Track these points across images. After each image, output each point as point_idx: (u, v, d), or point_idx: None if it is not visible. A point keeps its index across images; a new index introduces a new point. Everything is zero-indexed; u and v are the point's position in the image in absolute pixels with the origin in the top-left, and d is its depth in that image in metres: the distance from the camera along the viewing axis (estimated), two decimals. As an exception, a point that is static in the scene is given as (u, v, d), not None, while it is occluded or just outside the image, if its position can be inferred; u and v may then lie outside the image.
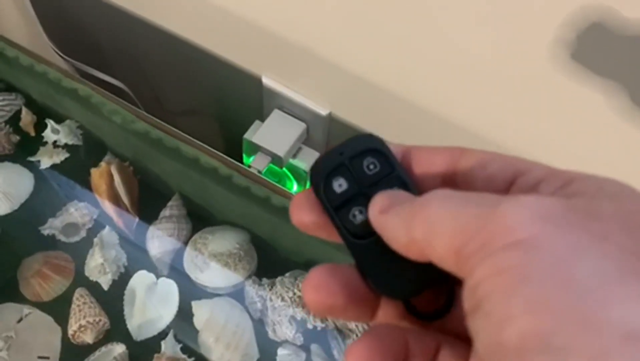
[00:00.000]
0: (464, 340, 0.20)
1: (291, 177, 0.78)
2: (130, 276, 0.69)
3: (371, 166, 0.22)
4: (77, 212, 0.72)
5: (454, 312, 0.21)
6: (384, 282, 0.21)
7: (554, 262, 0.15)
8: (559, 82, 0.48)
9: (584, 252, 0.15)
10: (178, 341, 0.65)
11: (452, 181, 0.21)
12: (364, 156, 0.22)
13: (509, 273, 0.15)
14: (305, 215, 0.22)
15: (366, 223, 0.21)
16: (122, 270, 0.70)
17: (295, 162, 0.74)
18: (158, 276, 0.69)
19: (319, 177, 0.22)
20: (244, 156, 0.77)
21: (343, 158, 0.22)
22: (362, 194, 0.21)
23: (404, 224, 0.19)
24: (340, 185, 0.22)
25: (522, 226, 0.16)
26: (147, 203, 0.73)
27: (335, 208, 0.21)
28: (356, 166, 0.22)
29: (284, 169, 0.75)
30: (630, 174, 0.51)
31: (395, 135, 0.67)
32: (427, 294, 0.21)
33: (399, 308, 0.21)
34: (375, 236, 0.20)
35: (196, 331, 0.66)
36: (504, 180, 0.20)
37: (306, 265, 0.68)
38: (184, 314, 0.67)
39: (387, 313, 0.22)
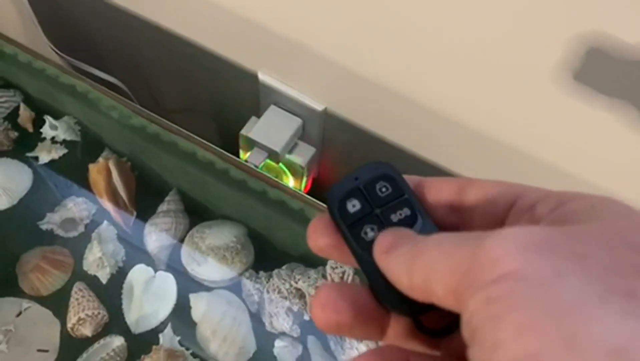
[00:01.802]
0: None
1: (287, 172, 0.78)
2: (128, 270, 0.70)
3: (383, 189, 0.23)
4: (75, 207, 0.73)
5: (461, 337, 0.22)
6: (394, 298, 0.21)
7: (538, 287, 0.16)
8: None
9: (566, 274, 0.16)
10: (176, 334, 0.66)
11: (459, 207, 0.23)
12: (377, 180, 0.23)
13: (498, 303, 0.16)
14: (320, 237, 0.23)
15: None
16: (120, 264, 0.70)
17: (291, 157, 0.75)
18: (156, 270, 0.70)
19: (334, 199, 0.23)
20: (241, 151, 0.78)
21: (357, 183, 0.23)
22: (374, 214, 0.23)
23: (405, 268, 0.20)
24: (353, 205, 0.23)
25: (506, 259, 0.17)
26: (144, 197, 0.73)
27: (348, 226, 0.23)
28: (369, 189, 0.23)
29: (280, 164, 0.76)
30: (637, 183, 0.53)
31: (389, 130, 0.68)
32: (436, 312, 0.21)
33: (408, 326, 0.22)
34: None
35: (194, 324, 0.66)
36: (505, 203, 0.21)
37: (302, 258, 0.68)
38: (182, 307, 0.67)
39: (396, 330, 0.22)
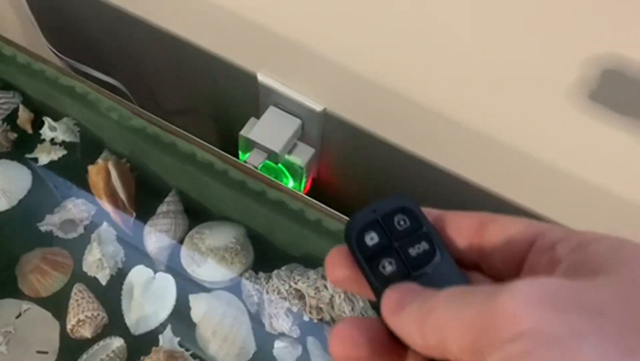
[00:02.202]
0: None
1: (287, 173, 0.78)
2: (128, 272, 0.70)
3: (401, 222, 0.23)
4: (75, 208, 0.73)
5: None
6: None
7: (556, 349, 0.16)
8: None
9: (584, 335, 0.16)
10: (175, 335, 0.66)
11: (479, 244, 0.23)
12: (395, 213, 0.23)
13: None
14: (338, 269, 0.23)
15: (395, 274, 0.22)
16: (120, 265, 0.70)
17: (291, 158, 0.75)
18: (155, 271, 0.70)
19: (353, 231, 0.23)
20: (240, 152, 0.78)
21: (376, 215, 0.23)
22: (392, 247, 0.23)
23: (417, 329, 0.20)
24: (372, 238, 0.23)
25: (522, 316, 0.17)
26: (144, 199, 0.73)
27: (366, 260, 0.23)
28: (387, 222, 0.23)
29: (280, 165, 0.76)
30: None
31: (389, 130, 0.68)
32: None
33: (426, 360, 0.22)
34: None
35: (193, 325, 0.66)
36: (525, 241, 0.21)
37: (302, 258, 0.68)
38: (181, 308, 0.67)
39: None
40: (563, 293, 0.17)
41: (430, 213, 0.24)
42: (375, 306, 0.22)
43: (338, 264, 0.23)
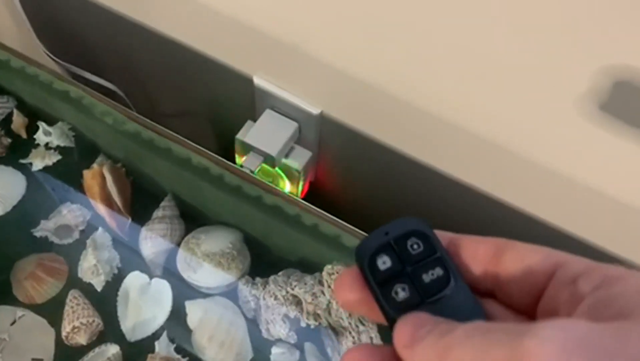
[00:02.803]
0: None
1: (284, 176, 0.78)
2: (124, 277, 0.69)
3: (415, 246, 0.23)
4: (70, 214, 0.72)
5: None
6: None
7: None
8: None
9: None
10: (172, 341, 0.65)
11: (495, 272, 0.22)
12: (409, 237, 0.23)
13: None
14: (349, 293, 0.23)
15: (408, 300, 0.22)
16: (115, 271, 0.70)
17: (287, 161, 0.74)
18: (151, 276, 0.69)
19: (364, 255, 0.23)
20: (236, 156, 0.78)
21: (388, 238, 0.23)
22: (405, 272, 0.22)
23: None
24: (384, 262, 0.22)
25: None
26: (139, 203, 0.73)
27: (379, 284, 0.22)
28: (400, 246, 0.23)
29: (277, 168, 0.75)
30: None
31: (386, 133, 0.67)
32: None
33: None
34: None
35: (190, 331, 0.66)
36: (544, 272, 0.21)
37: (299, 264, 0.68)
38: (178, 314, 0.67)
39: None
40: (592, 340, 0.16)
41: (443, 236, 0.23)
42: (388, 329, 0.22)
43: (348, 287, 0.23)
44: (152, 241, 0.69)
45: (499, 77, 0.51)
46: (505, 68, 0.50)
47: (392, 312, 0.22)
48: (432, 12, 0.50)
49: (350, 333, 0.62)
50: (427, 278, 0.22)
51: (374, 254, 0.22)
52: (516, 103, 0.53)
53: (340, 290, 0.23)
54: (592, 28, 0.42)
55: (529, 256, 0.21)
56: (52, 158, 0.75)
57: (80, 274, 0.69)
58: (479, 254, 0.22)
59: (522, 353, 0.16)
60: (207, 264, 0.67)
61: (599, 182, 0.55)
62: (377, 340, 0.60)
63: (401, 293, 0.22)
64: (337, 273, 0.62)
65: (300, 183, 0.78)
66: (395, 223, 0.23)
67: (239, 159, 0.77)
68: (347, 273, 0.23)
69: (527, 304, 0.22)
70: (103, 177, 0.71)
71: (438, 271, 0.22)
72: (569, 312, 0.19)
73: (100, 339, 0.65)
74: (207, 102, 0.84)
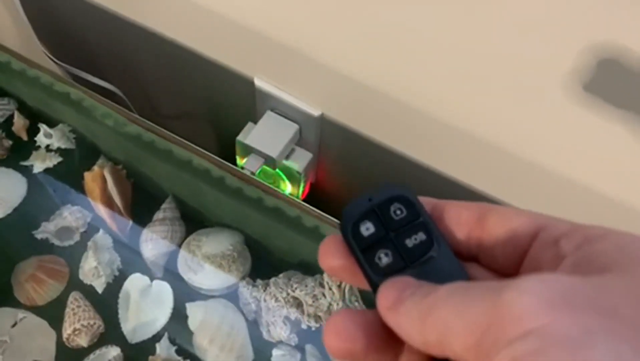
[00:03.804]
0: None
1: (284, 178, 0.78)
2: (125, 279, 0.69)
3: (398, 212, 0.23)
4: (71, 216, 0.72)
5: None
6: None
7: (567, 348, 0.15)
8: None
9: (595, 335, 0.15)
10: (173, 343, 0.65)
11: (479, 235, 0.22)
12: (392, 202, 0.23)
13: None
14: (333, 259, 0.23)
15: (391, 266, 0.22)
16: (116, 273, 0.70)
17: (288, 163, 0.74)
18: (152, 278, 0.69)
19: (348, 220, 0.23)
20: (237, 158, 0.78)
21: (372, 204, 0.23)
22: (388, 238, 0.22)
23: (416, 326, 0.19)
24: (367, 229, 0.22)
25: (530, 316, 0.16)
26: (140, 205, 0.73)
27: (362, 251, 0.22)
28: (384, 211, 0.23)
29: (277, 170, 0.75)
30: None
31: (386, 135, 0.67)
32: None
33: (422, 354, 0.21)
34: None
35: (191, 333, 0.66)
36: (527, 234, 0.21)
37: (300, 266, 0.68)
38: (179, 316, 0.67)
39: (410, 359, 0.22)
40: (573, 291, 0.16)
41: (427, 202, 0.23)
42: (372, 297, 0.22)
43: (333, 253, 0.23)
44: (153, 243, 0.69)
45: (498, 77, 0.51)
46: (504, 70, 0.50)
47: (375, 278, 0.22)
48: (431, 14, 0.50)
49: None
50: (410, 243, 0.22)
51: (358, 220, 0.22)
52: (517, 105, 0.53)
53: (324, 257, 0.23)
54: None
55: (513, 218, 0.21)
56: (53, 160, 0.75)
57: (81, 276, 0.69)
58: (462, 218, 0.22)
59: (502, 305, 0.16)
60: (208, 266, 0.67)
61: (586, 174, 0.54)
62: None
63: (384, 258, 0.22)
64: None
65: (301, 185, 0.78)
66: (378, 188, 0.23)
67: (240, 161, 0.77)
68: (332, 240, 0.23)
69: (511, 267, 0.21)
70: (104, 179, 0.71)
71: (421, 236, 0.22)
72: (552, 271, 0.19)
73: (101, 341, 0.65)
74: (208, 103, 0.84)
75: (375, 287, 0.21)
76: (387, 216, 0.23)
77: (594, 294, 0.16)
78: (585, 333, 0.15)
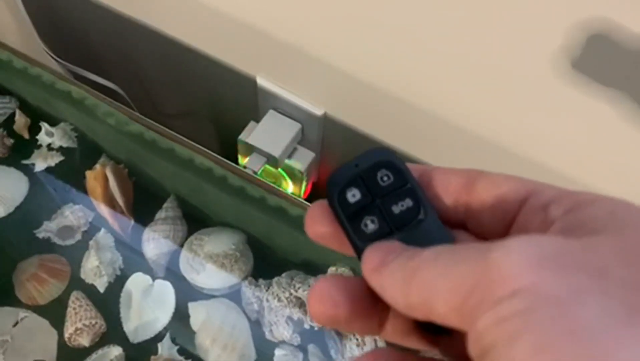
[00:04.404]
0: None
1: (287, 177, 0.77)
2: (126, 279, 0.69)
3: (385, 178, 0.22)
4: (73, 215, 0.72)
5: (460, 334, 0.20)
6: None
7: (556, 307, 0.15)
8: (562, 91, 0.48)
9: (585, 294, 0.15)
10: (175, 343, 0.65)
11: (467, 201, 0.22)
12: (378, 169, 0.22)
13: (512, 321, 0.15)
14: (319, 225, 0.22)
15: (378, 232, 0.21)
16: (118, 273, 0.69)
17: (290, 162, 0.74)
18: (154, 278, 0.69)
19: (334, 188, 0.22)
20: (239, 157, 0.77)
21: (358, 170, 0.22)
22: (374, 205, 0.22)
23: (400, 288, 0.19)
24: (353, 195, 0.22)
25: (517, 275, 0.16)
26: (142, 204, 0.72)
27: (348, 217, 0.22)
28: (370, 178, 0.22)
29: (280, 169, 0.75)
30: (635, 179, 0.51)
31: (389, 134, 0.67)
32: None
33: (407, 322, 0.21)
34: None
35: (193, 333, 0.65)
36: (516, 200, 0.20)
37: (302, 265, 0.68)
38: (181, 316, 0.66)
39: (394, 326, 0.22)
40: (562, 251, 0.16)
41: (415, 168, 0.23)
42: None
43: (318, 220, 0.22)
44: (154, 243, 0.69)
45: (500, 80, 0.51)
46: (500, 63, 0.50)
47: (361, 244, 0.21)
48: (434, 13, 0.49)
49: (353, 335, 0.62)
50: (396, 209, 0.22)
51: (344, 187, 0.22)
52: (520, 108, 0.53)
53: (311, 223, 0.22)
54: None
55: (502, 184, 0.21)
56: (55, 159, 0.75)
57: (82, 276, 0.69)
58: (451, 184, 0.22)
59: (488, 264, 0.16)
60: (210, 265, 0.67)
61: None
62: (381, 343, 0.60)
63: (370, 225, 0.22)
64: (341, 274, 0.62)
65: (303, 184, 0.77)
66: (365, 154, 0.23)
67: (242, 160, 0.77)
68: (318, 206, 0.22)
69: (499, 233, 0.21)
70: (106, 178, 0.71)
71: (408, 203, 0.22)
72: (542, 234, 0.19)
73: (102, 341, 0.65)
74: (210, 103, 0.84)
75: (360, 253, 0.21)
76: (373, 182, 0.22)
77: (584, 255, 0.16)
78: (574, 291, 0.15)
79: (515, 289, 0.15)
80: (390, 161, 0.22)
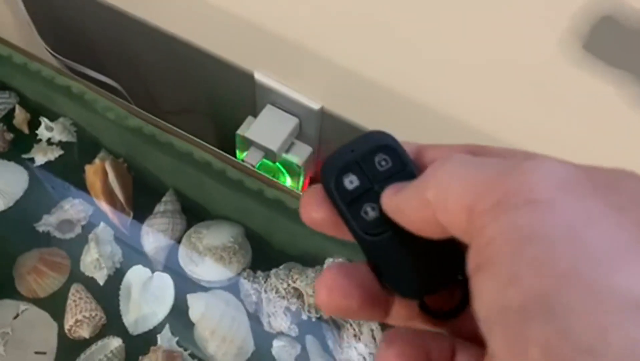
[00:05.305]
0: (477, 344, 0.19)
1: (284, 172, 0.78)
2: (126, 272, 0.70)
3: (383, 163, 0.21)
4: (72, 209, 0.72)
5: (467, 314, 0.20)
6: (398, 280, 0.20)
7: (565, 225, 0.15)
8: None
9: (597, 219, 0.15)
10: (174, 334, 0.66)
11: None
12: (376, 153, 0.22)
13: (520, 232, 0.15)
14: (315, 212, 0.22)
15: (379, 220, 0.21)
16: (118, 265, 0.70)
17: (288, 156, 0.75)
18: (153, 270, 0.70)
19: (330, 174, 0.21)
20: (237, 151, 0.78)
21: (354, 155, 0.22)
22: (373, 191, 0.21)
23: (416, 191, 0.18)
24: (351, 181, 0.21)
25: (540, 187, 0.16)
26: (141, 198, 0.73)
27: (347, 205, 0.21)
28: (368, 163, 0.21)
29: (277, 164, 0.75)
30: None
31: (386, 128, 0.67)
32: (441, 294, 0.21)
33: (412, 308, 0.21)
34: (388, 232, 0.21)
35: (192, 325, 0.66)
36: None
37: (300, 257, 0.68)
38: (180, 308, 0.67)
39: (400, 312, 0.21)
40: (587, 180, 0.16)
41: (410, 146, 0.22)
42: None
43: (315, 205, 0.21)
44: (153, 236, 0.69)
45: (501, 77, 0.52)
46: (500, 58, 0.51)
47: (362, 232, 0.21)
48: (431, 7, 0.50)
49: (351, 325, 0.63)
50: None
51: (340, 173, 0.21)
52: (522, 107, 0.53)
53: (306, 209, 0.22)
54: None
55: (504, 156, 0.20)
56: (54, 153, 0.75)
57: (82, 269, 0.69)
58: None
59: (515, 171, 0.16)
60: (209, 258, 0.67)
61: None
62: (377, 332, 0.61)
63: (371, 212, 0.21)
64: (345, 262, 0.63)
65: (301, 178, 0.78)
66: (360, 138, 0.22)
67: (240, 155, 0.77)
68: (313, 191, 0.22)
69: None
70: (105, 173, 0.71)
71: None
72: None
73: (103, 332, 0.66)
74: (208, 98, 0.85)
75: (361, 241, 0.21)
76: (371, 167, 0.21)
77: (605, 190, 0.16)
78: (589, 215, 0.15)
79: (533, 199, 0.15)
80: (387, 144, 0.22)
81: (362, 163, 0.21)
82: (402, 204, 0.19)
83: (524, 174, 0.16)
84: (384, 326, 0.61)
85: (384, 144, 0.22)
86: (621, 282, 0.14)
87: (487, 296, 0.15)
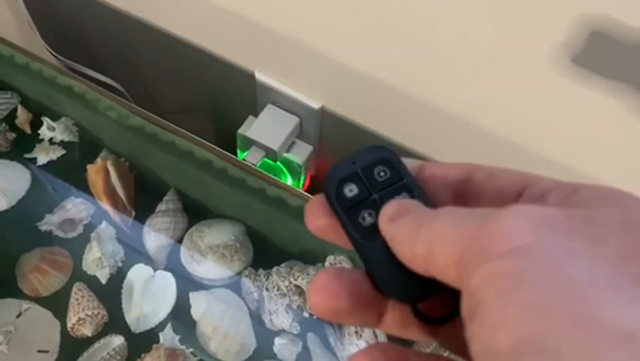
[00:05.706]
0: (466, 357, 0.20)
1: (285, 171, 0.79)
2: (128, 270, 0.70)
3: (382, 174, 0.23)
4: (74, 208, 0.73)
5: (457, 326, 0.20)
6: (392, 285, 0.21)
7: (547, 266, 0.15)
8: (562, 85, 0.49)
9: (578, 255, 0.15)
10: (176, 332, 0.66)
11: (463, 194, 0.22)
12: (376, 165, 0.23)
13: (504, 279, 0.15)
14: (319, 219, 0.23)
15: (375, 226, 0.22)
16: (120, 264, 0.70)
17: (289, 156, 0.75)
18: (155, 269, 0.70)
19: (332, 183, 0.23)
20: (238, 151, 0.78)
21: (355, 167, 0.23)
22: (371, 199, 0.22)
23: (408, 237, 0.19)
24: (351, 190, 0.23)
25: (517, 234, 0.16)
26: (143, 197, 0.73)
27: (346, 211, 0.22)
28: (367, 174, 0.23)
29: (278, 163, 0.76)
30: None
31: (387, 127, 0.68)
32: (435, 300, 0.21)
33: (406, 313, 0.22)
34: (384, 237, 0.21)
35: (194, 323, 0.66)
36: (513, 191, 0.21)
37: (301, 255, 0.69)
38: (182, 306, 0.67)
39: (393, 317, 0.22)
40: (561, 219, 0.17)
41: (413, 163, 0.23)
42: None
43: (318, 213, 0.23)
44: (155, 235, 0.70)
45: (499, 73, 0.52)
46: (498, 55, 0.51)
47: (358, 237, 0.22)
48: (432, 6, 0.50)
49: (352, 323, 0.63)
50: None
51: (341, 182, 0.23)
52: (523, 99, 0.54)
53: (310, 216, 0.23)
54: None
55: (499, 176, 0.21)
56: (56, 153, 0.76)
57: (84, 268, 0.70)
58: (449, 178, 0.22)
59: (490, 223, 0.17)
60: (211, 256, 0.68)
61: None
62: (379, 332, 0.61)
63: (368, 218, 0.22)
64: (340, 263, 0.63)
65: (302, 177, 0.78)
66: (363, 151, 0.23)
67: (241, 154, 0.78)
68: (317, 200, 0.23)
69: None
70: (107, 172, 0.72)
71: (404, 197, 0.22)
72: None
73: (105, 331, 0.66)
74: (209, 97, 0.85)
75: (358, 247, 0.22)
76: (371, 178, 0.23)
77: (583, 223, 0.17)
78: (568, 253, 0.15)
79: (513, 247, 0.16)
80: (387, 158, 0.23)
81: (362, 174, 0.23)
82: (396, 243, 0.20)
83: (501, 224, 0.17)
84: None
85: (385, 157, 0.23)
86: (607, 315, 0.14)
87: (477, 343, 0.16)
